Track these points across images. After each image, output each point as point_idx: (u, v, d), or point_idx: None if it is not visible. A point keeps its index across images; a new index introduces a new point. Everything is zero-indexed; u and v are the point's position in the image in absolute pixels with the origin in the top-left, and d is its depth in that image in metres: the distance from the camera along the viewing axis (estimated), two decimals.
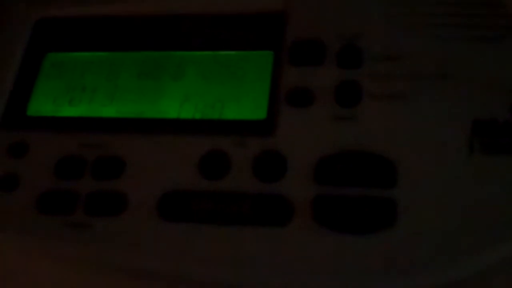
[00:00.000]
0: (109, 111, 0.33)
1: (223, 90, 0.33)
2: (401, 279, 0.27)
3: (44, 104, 0.34)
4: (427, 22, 0.31)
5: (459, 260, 0.27)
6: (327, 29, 0.32)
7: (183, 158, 0.31)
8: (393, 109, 0.30)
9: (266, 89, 0.32)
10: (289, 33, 0.33)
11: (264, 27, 0.33)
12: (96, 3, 0.37)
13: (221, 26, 0.34)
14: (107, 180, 0.31)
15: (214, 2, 0.34)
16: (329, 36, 0.32)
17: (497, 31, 0.31)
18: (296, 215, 0.29)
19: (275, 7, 0.33)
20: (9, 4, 0.38)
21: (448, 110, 0.30)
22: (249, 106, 0.32)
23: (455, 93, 0.30)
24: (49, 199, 0.31)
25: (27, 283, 0.31)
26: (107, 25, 0.36)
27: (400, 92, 0.30)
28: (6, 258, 0.32)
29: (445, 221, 0.27)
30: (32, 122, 0.34)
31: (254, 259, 0.28)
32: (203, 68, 0.34)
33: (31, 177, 0.32)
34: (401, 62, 0.31)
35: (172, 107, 0.33)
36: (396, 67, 0.30)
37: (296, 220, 0.28)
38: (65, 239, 0.30)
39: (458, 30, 0.31)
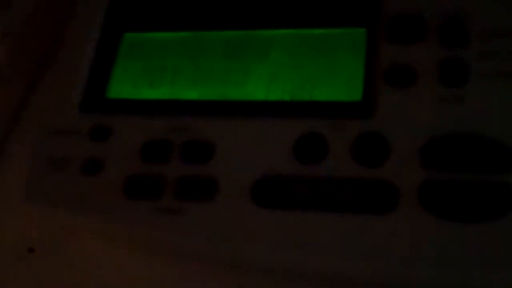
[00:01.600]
0: (192, 94, 0.32)
1: (312, 70, 0.31)
2: None
3: (124, 86, 0.33)
4: None
5: None
6: (427, 4, 0.30)
7: (276, 142, 0.29)
8: (503, 89, 0.28)
9: (360, 69, 0.30)
10: (385, 8, 0.31)
11: (357, 2, 0.32)
12: None
13: (310, 3, 0.32)
14: (196, 164, 0.30)
15: None
16: (430, 12, 0.30)
17: None
18: (401, 201, 0.27)
19: None
20: None
21: None
22: (342, 87, 0.30)
23: None
24: (136, 183, 0.30)
25: (112, 271, 0.31)
26: (187, 4, 0.34)
27: (511, 71, 0.28)
28: (90, 245, 0.31)
29: None
30: (113, 105, 0.33)
31: (358, 248, 0.27)
32: (291, 48, 0.32)
33: (116, 161, 0.31)
34: (510, 39, 0.29)
35: (259, 89, 0.31)
36: (506, 45, 0.28)
37: (402, 207, 0.27)
38: (154, 224, 0.29)
39: None
